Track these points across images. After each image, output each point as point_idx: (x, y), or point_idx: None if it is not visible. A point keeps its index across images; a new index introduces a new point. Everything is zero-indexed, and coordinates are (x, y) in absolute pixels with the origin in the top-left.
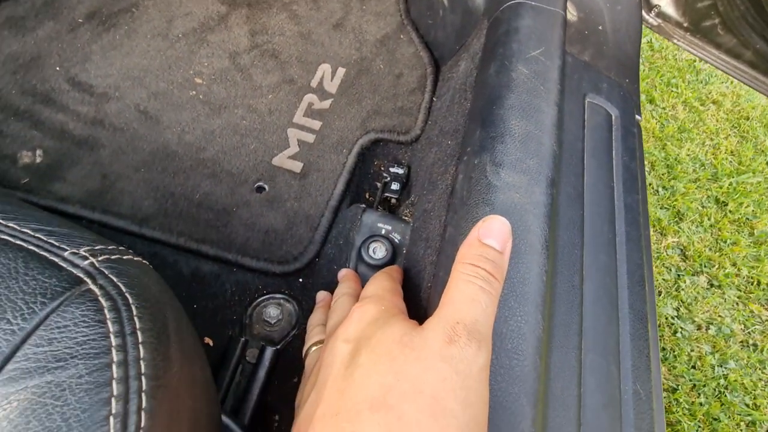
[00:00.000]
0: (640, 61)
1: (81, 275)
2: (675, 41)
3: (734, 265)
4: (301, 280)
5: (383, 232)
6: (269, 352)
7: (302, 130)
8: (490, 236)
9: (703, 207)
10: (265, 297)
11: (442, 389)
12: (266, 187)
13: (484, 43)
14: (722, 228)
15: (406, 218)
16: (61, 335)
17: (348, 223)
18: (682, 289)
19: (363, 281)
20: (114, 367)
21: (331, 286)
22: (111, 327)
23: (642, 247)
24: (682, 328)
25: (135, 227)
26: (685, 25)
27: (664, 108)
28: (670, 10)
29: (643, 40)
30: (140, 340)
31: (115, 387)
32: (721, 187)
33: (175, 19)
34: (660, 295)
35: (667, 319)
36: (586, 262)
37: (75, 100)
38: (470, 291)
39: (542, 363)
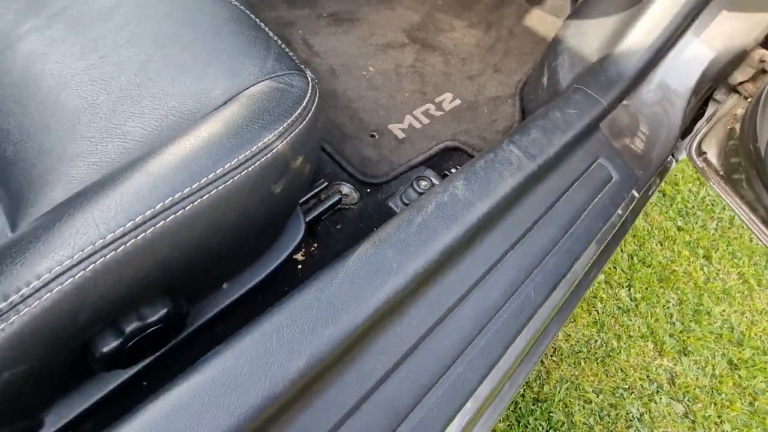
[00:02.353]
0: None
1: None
2: (711, 184)
3: (719, 416)
4: (368, 190)
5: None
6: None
7: (415, 119)
8: None
9: (713, 357)
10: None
11: None
12: (376, 136)
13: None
14: (723, 383)
15: None
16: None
17: (413, 175)
18: (654, 403)
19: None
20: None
21: (381, 203)
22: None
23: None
24: (638, 429)
25: None
26: (721, 173)
27: (717, 269)
28: (713, 158)
29: (725, 214)
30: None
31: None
32: (740, 353)
33: (375, 34)
34: (631, 395)
35: (628, 413)
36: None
37: (302, 51)
38: None
39: None
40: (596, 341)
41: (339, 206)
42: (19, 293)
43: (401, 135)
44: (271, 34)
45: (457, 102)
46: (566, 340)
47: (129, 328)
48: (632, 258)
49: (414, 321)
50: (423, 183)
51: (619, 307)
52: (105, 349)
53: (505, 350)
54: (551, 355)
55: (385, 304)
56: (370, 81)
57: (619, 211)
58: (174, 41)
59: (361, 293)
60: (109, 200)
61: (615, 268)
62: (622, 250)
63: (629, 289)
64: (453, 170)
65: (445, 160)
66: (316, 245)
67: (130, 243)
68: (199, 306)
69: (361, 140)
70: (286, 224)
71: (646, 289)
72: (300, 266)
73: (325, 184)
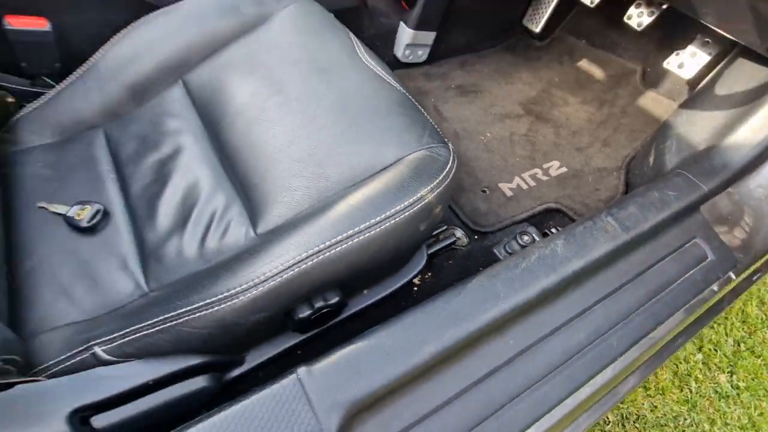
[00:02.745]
0: None
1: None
2: None
3: None
4: (476, 237)
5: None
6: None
7: (522, 181)
8: None
9: None
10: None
11: None
12: (488, 191)
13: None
14: None
15: None
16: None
17: (517, 229)
18: None
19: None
20: None
21: (487, 248)
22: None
23: None
24: None
25: None
26: None
27: None
28: None
29: None
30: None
31: None
32: None
33: (495, 105)
34: None
35: None
36: None
37: (433, 116)
38: None
39: None
40: (685, 419)
41: (452, 246)
42: (265, 273)
43: (509, 193)
44: (426, 114)
45: (564, 169)
46: (652, 410)
47: (317, 305)
48: (739, 344)
49: (511, 341)
50: (525, 237)
51: (717, 392)
52: (301, 316)
53: (585, 382)
54: (634, 421)
55: (491, 321)
56: (486, 145)
57: (714, 287)
58: (362, 116)
59: (475, 310)
60: (316, 224)
61: (716, 350)
62: (726, 334)
63: (731, 376)
64: (553, 230)
65: (546, 220)
66: (430, 274)
67: (328, 254)
68: (348, 302)
69: (475, 194)
70: (414, 254)
71: (753, 379)
72: (416, 288)
73: (444, 227)
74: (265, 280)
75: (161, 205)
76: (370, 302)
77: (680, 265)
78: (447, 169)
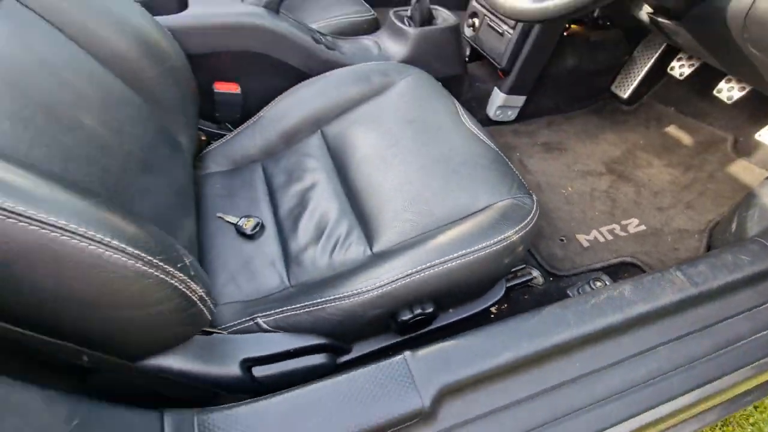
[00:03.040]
0: None
1: None
2: None
3: None
4: (551, 279)
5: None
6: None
7: (600, 234)
8: None
9: None
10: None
11: None
12: (565, 240)
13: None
14: None
15: None
16: None
17: (591, 276)
18: None
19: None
20: None
21: (561, 289)
22: None
23: None
24: None
25: None
26: None
27: None
28: None
29: None
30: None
31: None
32: None
33: (578, 162)
34: None
35: None
36: None
37: (518, 168)
38: None
39: None
40: None
41: (529, 283)
42: (382, 280)
43: (586, 244)
44: (513, 168)
45: (642, 227)
46: None
47: (416, 312)
48: None
49: (577, 363)
50: (598, 283)
51: None
52: (403, 318)
53: (639, 413)
54: None
55: (561, 343)
56: (567, 198)
57: None
58: (461, 168)
59: (548, 331)
60: (421, 250)
61: None
62: None
63: None
64: None
65: (621, 272)
66: (506, 305)
67: (428, 272)
68: (437, 316)
69: (553, 241)
70: (494, 285)
71: None
72: (492, 315)
73: (523, 266)
74: (382, 285)
75: (301, 224)
76: (454, 319)
77: (753, 324)
78: (530, 216)
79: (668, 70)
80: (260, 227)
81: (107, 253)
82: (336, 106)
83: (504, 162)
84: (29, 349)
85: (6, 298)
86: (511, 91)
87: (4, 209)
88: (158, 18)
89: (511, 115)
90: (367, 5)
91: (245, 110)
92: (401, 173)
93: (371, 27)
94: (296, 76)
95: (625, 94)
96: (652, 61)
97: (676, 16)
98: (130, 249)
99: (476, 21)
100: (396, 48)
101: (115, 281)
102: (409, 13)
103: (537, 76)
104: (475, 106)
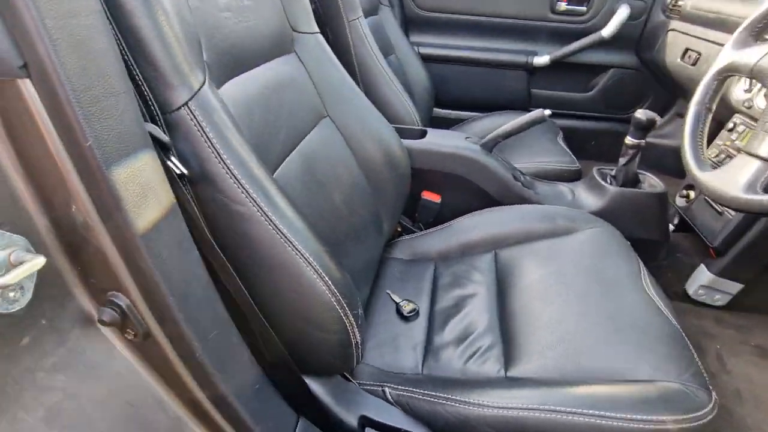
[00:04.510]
0: None
1: None
2: None
3: None
4: None
5: None
6: None
7: None
8: None
9: None
10: None
11: None
12: None
13: None
14: None
15: None
16: None
17: None
18: None
19: None
20: None
21: None
22: None
23: None
24: None
25: None
26: None
27: None
28: None
29: None
30: None
31: None
32: None
33: None
34: None
35: None
36: None
37: (712, 363)
38: None
39: None
40: None
41: None
42: (510, 403)
43: None
44: (697, 358)
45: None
46: None
47: None
48: None
49: None
50: None
51: None
52: None
53: None
54: None
55: None
56: None
57: None
58: (627, 330)
59: None
60: (557, 391)
61: None
62: None
63: None
64: None
65: None
66: None
67: (554, 416)
68: None
69: None
70: None
71: None
72: None
73: None
74: (508, 407)
75: (450, 324)
76: None
77: None
78: (700, 414)
79: None
80: (416, 313)
81: (320, 282)
82: (516, 235)
83: (684, 343)
84: (252, 328)
85: (261, 289)
86: (723, 274)
87: (271, 220)
88: (404, 140)
89: (719, 300)
90: (574, 157)
91: (439, 216)
92: (560, 312)
93: (572, 177)
94: (490, 201)
95: None
96: None
97: None
98: (332, 287)
99: (692, 193)
100: (590, 200)
101: (316, 301)
102: (613, 172)
103: (764, 267)
104: (671, 277)
